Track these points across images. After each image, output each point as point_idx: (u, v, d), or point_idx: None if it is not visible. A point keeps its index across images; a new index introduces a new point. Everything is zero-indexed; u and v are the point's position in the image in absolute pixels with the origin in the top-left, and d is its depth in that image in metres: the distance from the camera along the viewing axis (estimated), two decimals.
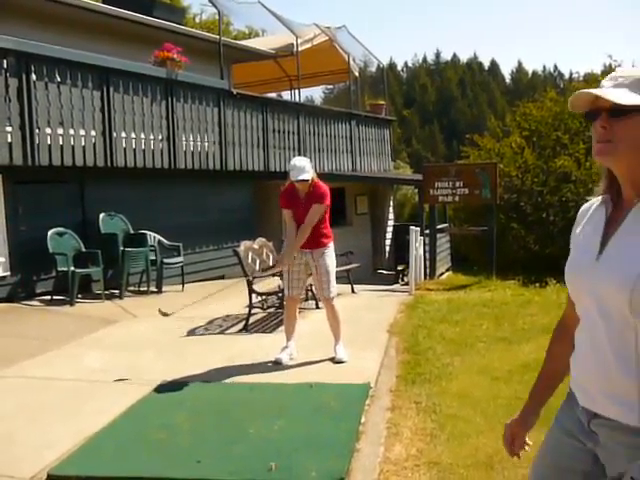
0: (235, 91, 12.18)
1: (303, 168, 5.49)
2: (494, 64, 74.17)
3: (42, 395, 4.80)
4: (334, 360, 5.54)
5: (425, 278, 11.60)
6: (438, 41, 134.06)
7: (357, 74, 18.05)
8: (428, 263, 12.12)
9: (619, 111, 1.46)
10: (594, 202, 1.68)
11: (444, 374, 5.17)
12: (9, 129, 8.23)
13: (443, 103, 66.35)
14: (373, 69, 28.76)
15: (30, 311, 8.11)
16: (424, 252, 11.73)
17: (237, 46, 15.98)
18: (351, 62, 17.07)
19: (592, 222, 1.63)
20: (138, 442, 3.93)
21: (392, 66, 66.93)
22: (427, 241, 12.06)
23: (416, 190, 18.35)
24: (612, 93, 1.46)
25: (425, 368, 5.33)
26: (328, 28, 16.53)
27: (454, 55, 75.73)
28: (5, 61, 8.29)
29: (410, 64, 76.48)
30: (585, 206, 1.71)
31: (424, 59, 76.37)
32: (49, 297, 8.61)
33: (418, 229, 10.97)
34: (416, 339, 6.38)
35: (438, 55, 76.52)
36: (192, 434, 4.00)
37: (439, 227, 12.95)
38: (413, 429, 3.99)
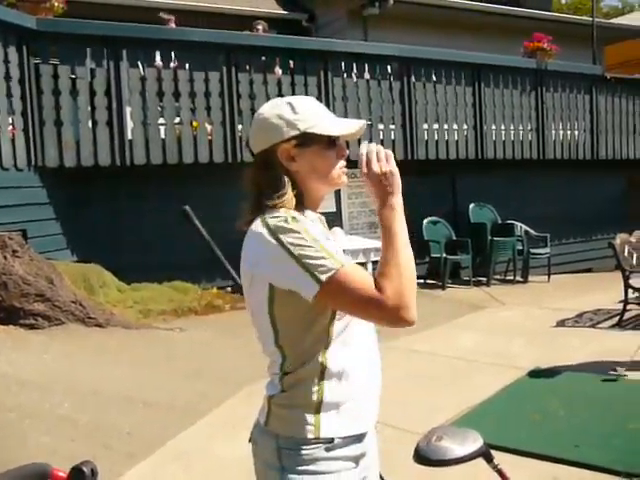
0: (609, 75, 11.55)
1: None
2: None
3: (426, 366, 5.38)
4: None
5: None
6: None
7: None
8: None
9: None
10: (297, 214, 1.50)
11: None
12: (392, 127, 9.17)
13: None
14: None
15: None
16: None
17: (611, 25, 15.13)
18: None
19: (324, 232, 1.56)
20: (515, 419, 4.19)
21: None
22: None
23: None
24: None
25: None
26: None
27: None
28: (389, 67, 9.25)
29: None
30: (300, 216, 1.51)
31: None
32: (422, 280, 9.38)
33: None
34: None
35: None
36: (568, 421, 4.11)
37: None
38: None
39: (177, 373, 5.09)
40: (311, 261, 1.38)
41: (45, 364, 5.01)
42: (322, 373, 1.47)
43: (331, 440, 1.45)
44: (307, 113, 1.53)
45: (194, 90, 7.72)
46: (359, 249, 8.59)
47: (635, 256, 7.09)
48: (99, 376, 4.86)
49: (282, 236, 1.41)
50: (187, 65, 7.76)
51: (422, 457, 1.07)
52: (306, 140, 1.51)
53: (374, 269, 1.46)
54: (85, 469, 1.21)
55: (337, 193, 9.06)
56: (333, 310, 1.46)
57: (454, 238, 9.51)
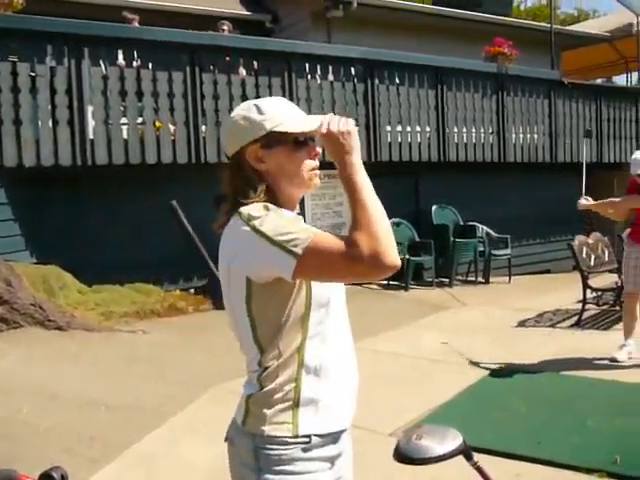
0: (566, 81, 11.80)
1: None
2: None
3: (391, 367, 5.42)
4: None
5: None
6: None
7: None
8: None
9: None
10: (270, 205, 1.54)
11: None
12: (356, 129, 9.19)
13: None
14: None
15: (370, 293, 8.99)
16: None
17: (568, 32, 15.45)
18: None
19: None
20: (480, 418, 4.25)
21: None
22: None
23: None
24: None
25: None
26: None
27: None
28: (353, 69, 9.30)
29: None
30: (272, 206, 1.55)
31: None
32: (385, 282, 9.43)
33: None
34: None
35: None
36: (530, 419, 4.19)
37: None
38: None
39: (140, 376, 5.02)
40: (284, 237, 1.40)
41: (4, 368, 4.90)
42: (300, 369, 1.49)
43: (308, 439, 1.46)
44: (273, 112, 1.55)
45: (157, 90, 7.63)
46: None
47: (593, 257, 7.27)
48: (60, 380, 4.77)
49: (255, 222, 1.43)
50: (150, 65, 7.66)
51: (403, 456, 1.09)
52: (271, 141, 1.53)
53: None
54: (55, 475, 1.18)
55: None
56: (309, 299, 1.49)
57: (417, 239, 9.59)
